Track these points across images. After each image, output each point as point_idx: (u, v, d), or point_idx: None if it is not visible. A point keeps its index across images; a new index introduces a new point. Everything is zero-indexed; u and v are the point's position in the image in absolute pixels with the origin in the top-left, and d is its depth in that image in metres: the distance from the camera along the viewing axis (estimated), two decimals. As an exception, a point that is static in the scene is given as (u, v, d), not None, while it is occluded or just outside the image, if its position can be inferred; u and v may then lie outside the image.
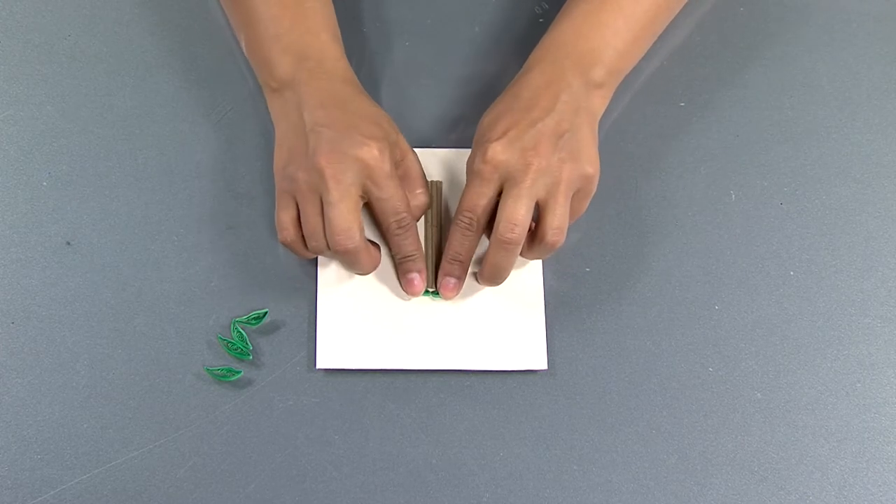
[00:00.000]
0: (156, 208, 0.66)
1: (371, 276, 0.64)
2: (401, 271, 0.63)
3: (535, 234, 0.59)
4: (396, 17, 0.72)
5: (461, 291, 0.63)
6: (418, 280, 0.62)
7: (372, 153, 0.57)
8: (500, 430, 0.62)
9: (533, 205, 0.58)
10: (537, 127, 0.58)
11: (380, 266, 0.64)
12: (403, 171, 0.61)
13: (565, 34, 0.62)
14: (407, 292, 0.63)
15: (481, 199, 0.58)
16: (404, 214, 0.59)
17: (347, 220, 0.56)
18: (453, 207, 0.66)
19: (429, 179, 0.66)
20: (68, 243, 0.65)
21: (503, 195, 0.58)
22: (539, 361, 0.62)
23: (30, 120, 0.68)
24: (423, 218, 0.65)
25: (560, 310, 0.64)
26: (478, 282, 0.63)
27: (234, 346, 0.62)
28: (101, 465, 0.60)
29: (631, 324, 0.64)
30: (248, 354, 0.62)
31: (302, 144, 0.58)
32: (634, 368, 0.63)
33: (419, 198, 0.62)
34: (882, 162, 0.69)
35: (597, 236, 0.66)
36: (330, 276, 0.64)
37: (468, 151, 0.62)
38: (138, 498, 0.60)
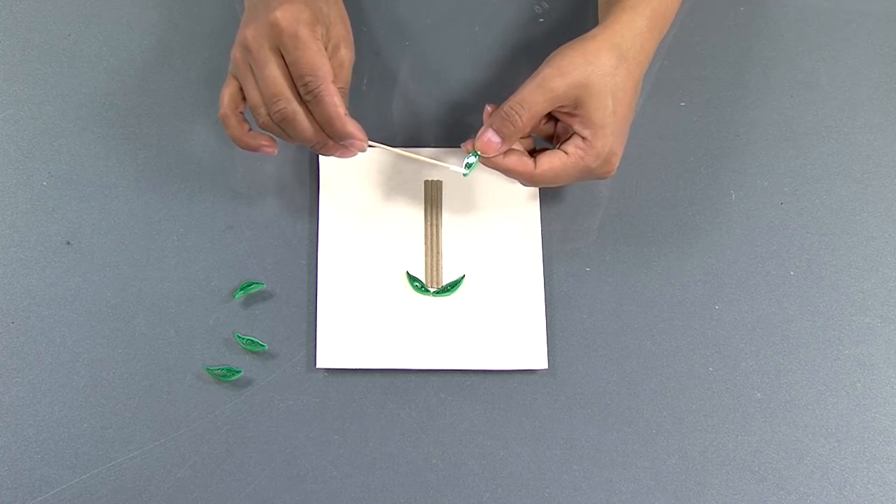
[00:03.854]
0: (156, 208, 0.66)
1: (371, 276, 0.64)
2: (325, 147, 0.59)
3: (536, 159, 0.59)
4: (396, 16, 0.72)
5: (462, 291, 0.63)
6: (356, 137, 0.58)
7: (277, 15, 0.54)
8: (500, 429, 0.62)
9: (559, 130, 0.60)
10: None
11: (379, 267, 0.64)
12: (338, 63, 0.60)
13: None
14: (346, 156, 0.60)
15: (541, 103, 0.57)
16: (309, 78, 0.55)
17: (276, 84, 0.55)
18: (453, 207, 0.66)
19: (429, 179, 0.66)
20: (68, 243, 0.65)
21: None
22: (539, 361, 0.62)
23: (30, 120, 0.68)
24: (423, 218, 0.65)
25: (560, 310, 0.64)
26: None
27: (250, 342, 0.62)
28: (101, 465, 0.60)
29: (631, 324, 0.64)
30: (264, 345, 0.62)
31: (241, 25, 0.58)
32: (634, 368, 0.63)
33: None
34: (882, 162, 0.69)
35: (597, 236, 0.66)
36: (330, 276, 0.64)
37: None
38: (138, 498, 0.60)
